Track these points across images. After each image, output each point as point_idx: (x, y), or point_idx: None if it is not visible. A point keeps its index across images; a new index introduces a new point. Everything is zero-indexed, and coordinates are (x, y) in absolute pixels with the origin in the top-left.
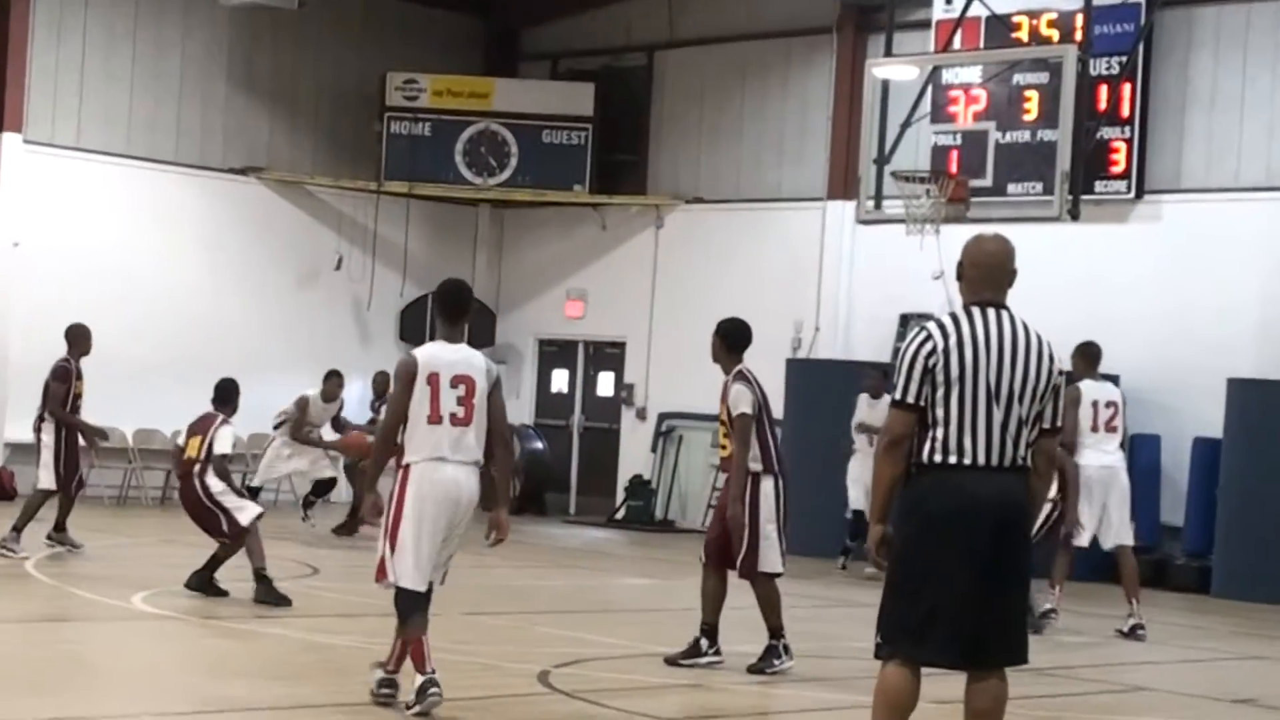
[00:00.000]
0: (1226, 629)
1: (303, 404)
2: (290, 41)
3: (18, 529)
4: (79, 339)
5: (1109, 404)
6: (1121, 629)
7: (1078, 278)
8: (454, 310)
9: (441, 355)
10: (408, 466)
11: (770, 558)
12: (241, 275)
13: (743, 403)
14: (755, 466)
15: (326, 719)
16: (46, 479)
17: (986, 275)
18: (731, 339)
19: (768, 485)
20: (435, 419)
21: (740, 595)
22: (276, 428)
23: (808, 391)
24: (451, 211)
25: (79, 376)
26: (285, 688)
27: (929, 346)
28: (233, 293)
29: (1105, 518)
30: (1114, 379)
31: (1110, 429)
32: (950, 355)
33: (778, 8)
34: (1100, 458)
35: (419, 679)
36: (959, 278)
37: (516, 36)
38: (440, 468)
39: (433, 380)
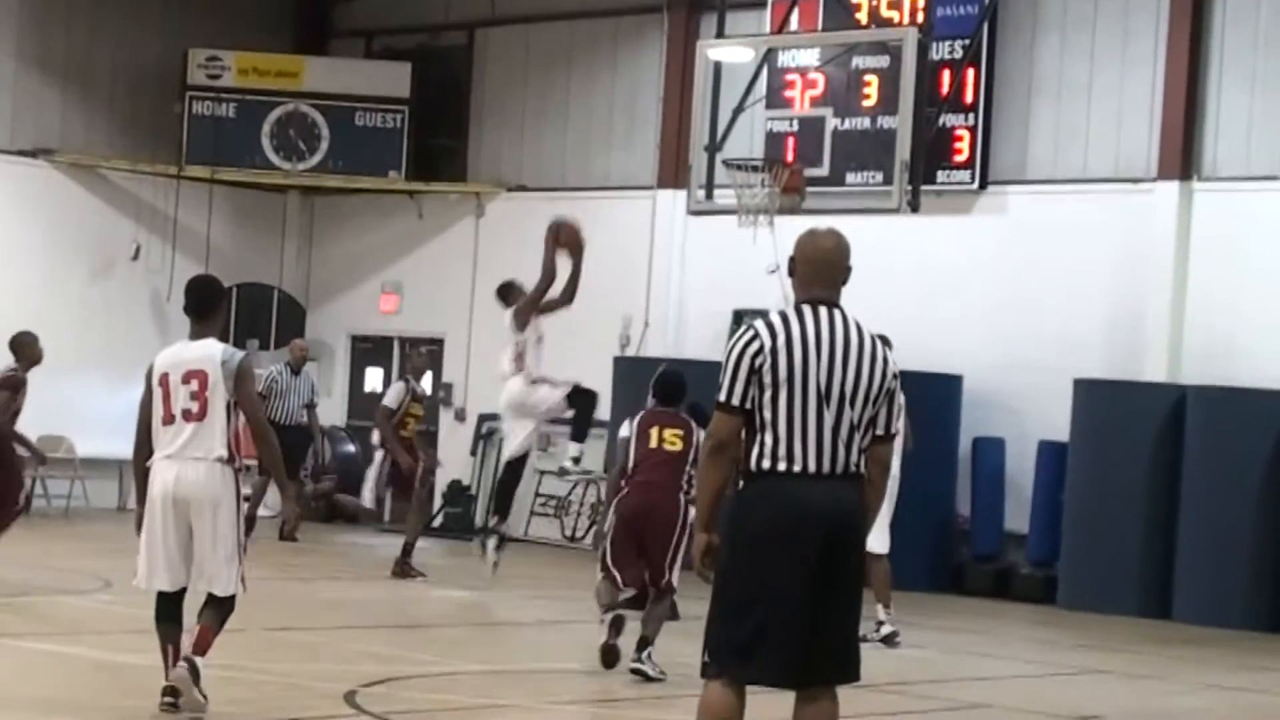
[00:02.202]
0: (1071, 642)
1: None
2: (85, 14)
3: None
4: (27, 346)
5: None
6: (873, 636)
7: (918, 272)
8: (196, 307)
9: (175, 355)
10: (144, 471)
11: None
12: (29, 265)
13: None
14: None
15: None
16: None
17: (819, 272)
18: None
19: None
20: (168, 419)
21: None
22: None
23: (637, 391)
24: (258, 198)
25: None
26: (74, 715)
27: (755, 346)
28: (19, 284)
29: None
30: (957, 379)
31: None
32: (778, 355)
33: None
34: None
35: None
36: (791, 274)
37: (328, 12)
38: (168, 466)
39: (164, 381)
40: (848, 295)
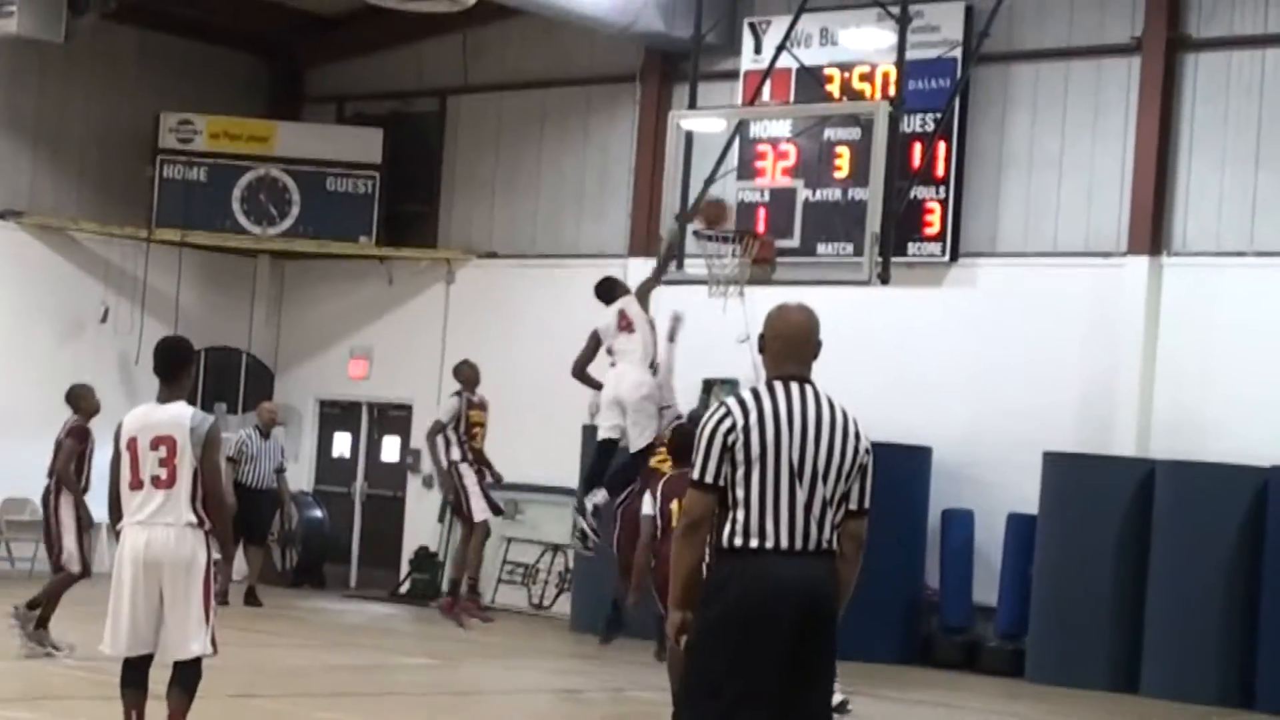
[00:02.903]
0: (1040, 716)
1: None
2: (57, 77)
3: (45, 620)
4: (84, 398)
5: None
6: None
7: (889, 344)
8: (165, 369)
9: (143, 418)
10: (118, 532)
11: None
12: None
13: None
14: None
15: None
16: (75, 560)
17: (790, 348)
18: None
19: None
20: (136, 484)
21: None
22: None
23: None
24: (228, 262)
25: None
26: None
27: (728, 424)
28: None
29: None
30: (926, 451)
31: None
32: (750, 433)
33: (579, 53)
34: None
35: None
36: (761, 350)
37: (300, 78)
38: (137, 532)
39: (132, 445)
40: (819, 365)
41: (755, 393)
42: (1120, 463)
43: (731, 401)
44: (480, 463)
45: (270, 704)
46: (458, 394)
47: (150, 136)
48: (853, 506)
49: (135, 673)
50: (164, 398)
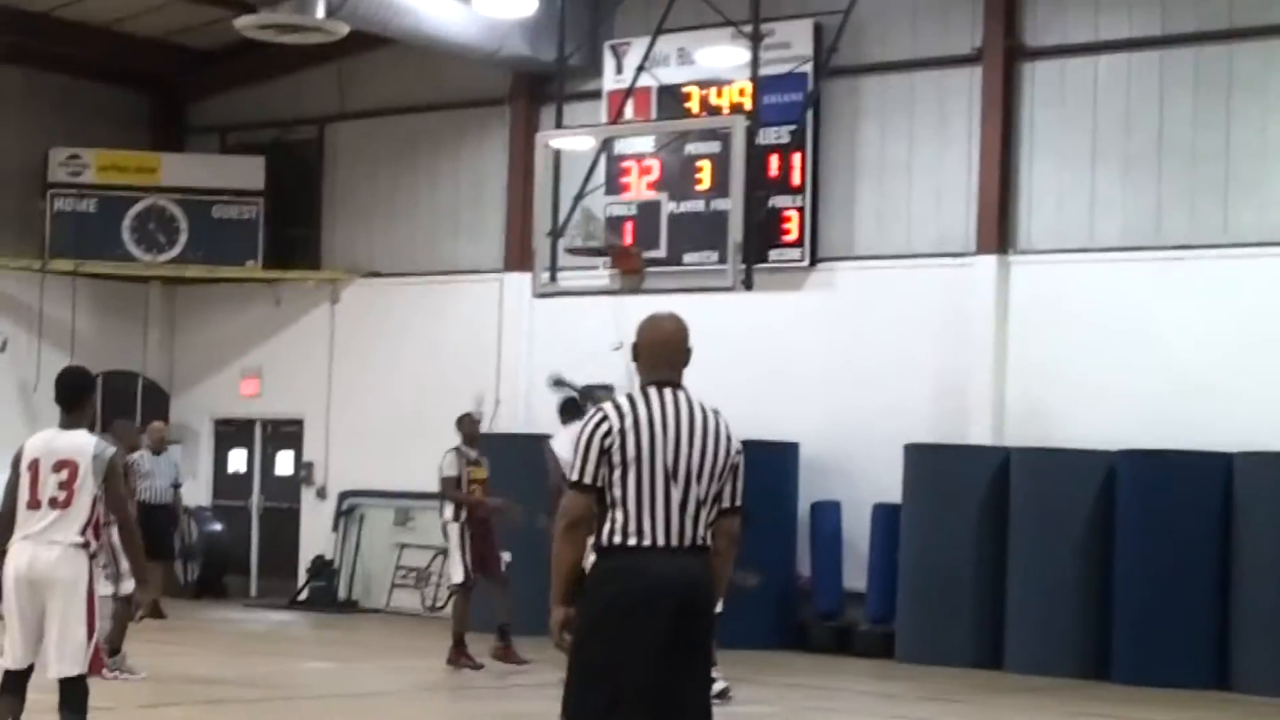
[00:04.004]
0: (913, 694)
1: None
2: None
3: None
4: (126, 433)
5: None
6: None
7: (754, 346)
8: (67, 398)
9: (47, 442)
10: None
11: None
12: None
13: None
14: None
15: None
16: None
17: (661, 355)
18: None
19: None
20: (34, 504)
21: None
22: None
23: (492, 466)
24: (121, 289)
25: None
26: None
27: (605, 428)
28: None
29: None
30: (793, 446)
31: None
32: (626, 436)
33: (450, 79)
34: None
35: None
36: (635, 358)
37: (183, 110)
38: (23, 549)
39: (33, 467)
40: (690, 367)
41: (631, 398)
42: (976, 451)
43: (608, 407)
44: (482, 519)
45: (179, 712)
46: (456, 450)
47: (40, 171)
48: (725, 504)
49: (16, 681)
50: (66, 425)
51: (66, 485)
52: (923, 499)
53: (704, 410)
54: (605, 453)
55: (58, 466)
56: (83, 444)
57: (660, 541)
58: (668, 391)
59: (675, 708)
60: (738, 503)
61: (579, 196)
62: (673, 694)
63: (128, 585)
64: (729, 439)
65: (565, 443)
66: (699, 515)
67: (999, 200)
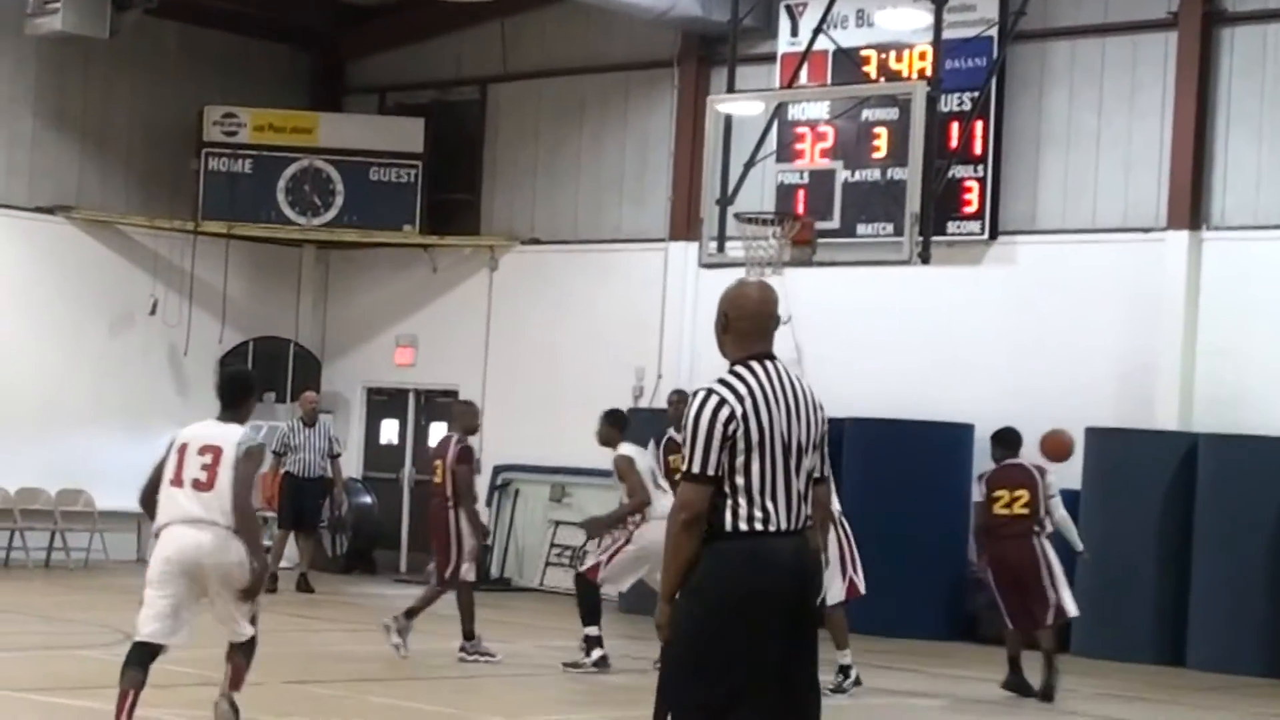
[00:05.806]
0: (1089, 690)
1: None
2: (102, 74)
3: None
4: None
5: None
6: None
7: (929, 322)
8: (229, 398)
9: (198, 431)
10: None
11: None
12: (48, 321)
13: None
14: None
15: None
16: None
17: (758, 326)
18: None
19: None
20: (178, 482)
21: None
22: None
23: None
24: (273, 253)
25: None
26: None
27: (726, 412)
28: (39, 339)
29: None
30: (968, 428)
31: None
32: (749, 420)
33: (616, 39)
34: None
35: None
36: (724, 330)
37: (342, 69)
38: (173, 530)
39: (182, 450)
40: (860, 345)
41: (740, 377)
42: (1162, 436)
43: (723, 390)
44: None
45: (323, 689)
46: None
47: (195, 130)
48: (817, 475)
49: (143, 655)
50: (224, 419)
51: (209, 468)
52: (1103, 485)
53: (798, 379)
54: (729, 439)
55: (204, 450)
56: (231, 433)
57: (782, 524)
58: (770, 365)
59: (796, 695)
60: (827, 473)
61: (749, 164)
62: (798, 673)
63: (467, 570)
64: (821, 407)
65: (636, 451)
66: (806, 491)
67: (1192, 173)
